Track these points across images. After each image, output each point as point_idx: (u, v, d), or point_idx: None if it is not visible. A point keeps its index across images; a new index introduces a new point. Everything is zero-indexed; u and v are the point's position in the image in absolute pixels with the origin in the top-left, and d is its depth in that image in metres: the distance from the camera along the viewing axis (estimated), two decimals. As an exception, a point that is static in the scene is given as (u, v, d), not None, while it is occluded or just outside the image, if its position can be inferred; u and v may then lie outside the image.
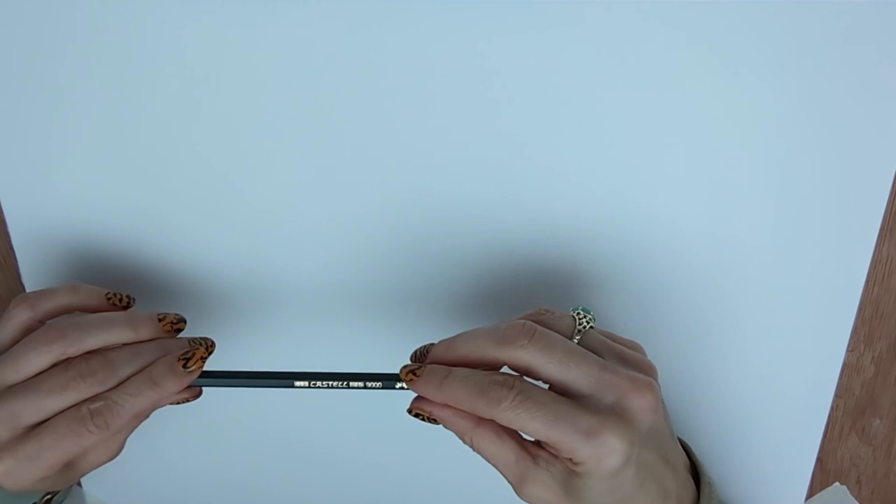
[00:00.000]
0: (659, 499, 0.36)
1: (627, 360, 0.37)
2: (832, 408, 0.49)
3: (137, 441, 0.40)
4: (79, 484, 0.53)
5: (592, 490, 0.35)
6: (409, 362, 0.38)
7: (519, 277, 0.45)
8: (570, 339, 0.37)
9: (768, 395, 0.48)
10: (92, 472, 0.40)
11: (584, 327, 0.37)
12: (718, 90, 0.40)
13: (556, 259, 0.45)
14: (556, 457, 0.36)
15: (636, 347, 0.39)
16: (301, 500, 0.54)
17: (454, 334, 0.38)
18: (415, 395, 0.38)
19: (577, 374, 0.35)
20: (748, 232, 0.44)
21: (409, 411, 0.38)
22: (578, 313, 0.38)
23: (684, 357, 0.47)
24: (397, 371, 0.38)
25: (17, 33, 0.41)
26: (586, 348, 0.36)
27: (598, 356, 0.36)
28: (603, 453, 0.33)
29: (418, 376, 0.37)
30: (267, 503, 0.55)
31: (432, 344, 0.39)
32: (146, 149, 0.43)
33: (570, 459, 0.34)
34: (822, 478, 0.52)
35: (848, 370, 0.48)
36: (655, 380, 0.36)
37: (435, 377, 0.36)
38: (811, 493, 0.52)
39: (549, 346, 0.35)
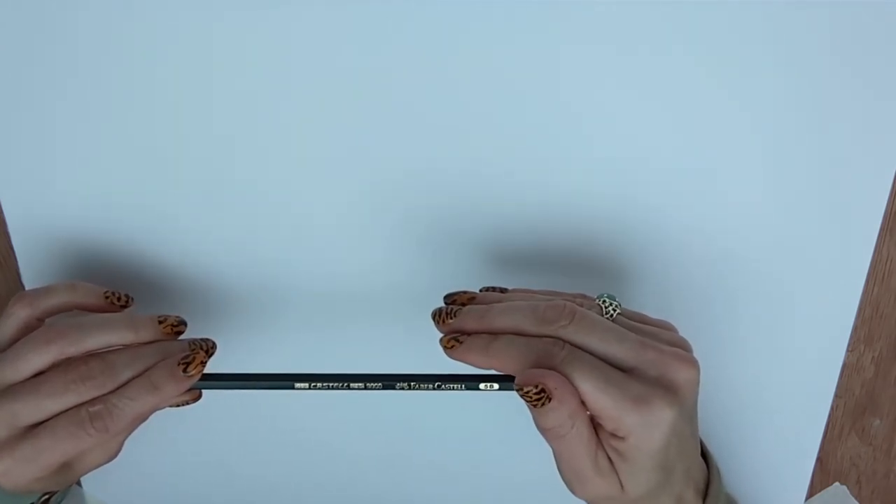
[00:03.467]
0: (683, 476, 0.36)
1: (663, 337, 0.37)
2: (832, 408, 0.49)
3: (137, 441, 0.40)
4: (79, 484, 0.53)
5: (637, 467, 0.34)
6: (441, 312, 0.38)
7: (520, 278, 0.45)
8: None
9: (768, 395, 0.48)
10: (92, 473, 0.40)
11: (612, 314, 0.37)
12: (718, 90, 0.40)
13: (556, 258, 0.45)
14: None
15: (668, 326, 0.39)
16: (301, 500, 0.54)
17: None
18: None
19: (619, 349, 0.35)
20: (748, 232, 0.44)
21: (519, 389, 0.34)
22: (604, 301, 0.37)
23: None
24: (397, 371, 0.38)
25: (17, 33, 0.41)
26: None
27: None
28: (652, 422, 0.33)
29: (461, 343, 0.36)
30: (266, 503, 0.55)
31: (458, 300, 0.38)
32: (146, 148, 0.43)
33: (615, 434, 0.34)
34: (822, 478, 0.52)
35: (848, 370, 0.48)
36: (693, 355, 0.36)
37: (481, 341, 0.36)
38: (811, 493, 0.52)
39: (590, 325, 0.35)
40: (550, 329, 0.35)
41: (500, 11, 0.39)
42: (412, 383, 0.38)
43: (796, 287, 0.45)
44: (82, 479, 0.53)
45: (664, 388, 0.34)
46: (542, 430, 0.35)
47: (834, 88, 0.40)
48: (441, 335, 0.37)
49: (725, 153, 0.42)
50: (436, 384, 0.38)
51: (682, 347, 0.36)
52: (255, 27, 0.40)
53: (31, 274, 0.48)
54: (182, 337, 0.40)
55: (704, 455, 0.40)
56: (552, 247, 0.45)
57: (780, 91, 0.40)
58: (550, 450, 0.36)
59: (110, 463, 0.40)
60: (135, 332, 0.38)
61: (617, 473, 0.35)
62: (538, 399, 0.33)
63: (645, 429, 0.33)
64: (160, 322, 0.39)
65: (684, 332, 0.44)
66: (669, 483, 0.36)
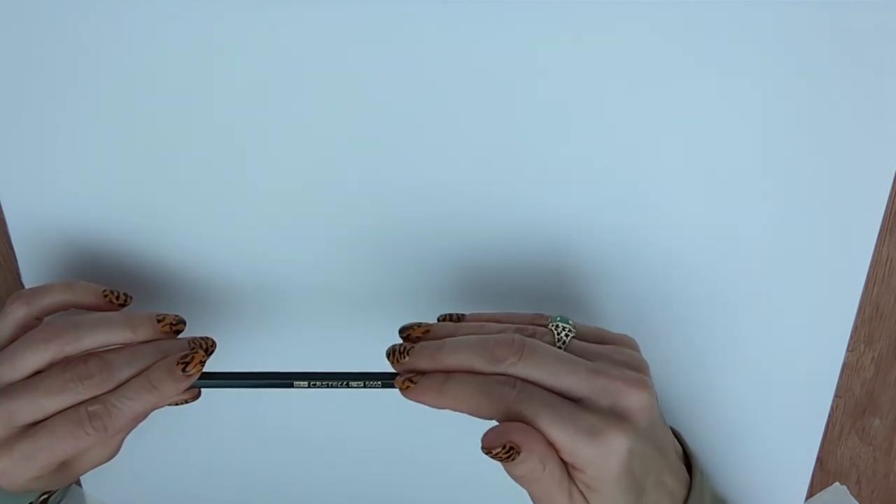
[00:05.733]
0: (656, 489, 0.36)
1: (616, 360, 0.36)
2: (832, 408, 0.49)
3: (137, 441, 0.40)
4: (78, 483, 0.53)
5: (604, 494, 0.34)
6: (394, 352, 0.38)
7: (521, 278, 0.45)
8: None
9: (768, 395, 0.48)
10: (92, 472, 0.40)
11: (565, 340, 0.37)
12: (718, 90, 0.40)
13: (557, 258, 0.45)
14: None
15: (626, 342, 0.39)
16: (301, 499, 0.54)
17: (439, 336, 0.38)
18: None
19: (569, 380, 0.35)
20: (748, 232, 0.44)
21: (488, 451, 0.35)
22: (556, 325, 0.37)
23: (684, 357, 0.47)
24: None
25: (17, 33, 0.41)
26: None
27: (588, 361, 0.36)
28: (607, 453, 0.33)
29: (415, 384, 0.36)
30: (267, 502, 0.55)
31: (412, 334, 0.39)
32: (146, 148, 0.43)
33: (574, 466, 0.34)
34: (822, 478, 0.52)
35: (848, 370, 0.48)
36: (647, 375, 0.36)
37: (435, 382, 0.36)
38: (811, 493, 0.52)
39: (539, 358, 0.35)
40: (501, 367, 0.35)
41: (500, 13, 0.39)
42: None
43: (796, 287, 0.45)
44: (82, 478, 0.53)
45: (616, 416, 0.34)
46: (515, 479, 0.35)
47: (834, 88, 0.40)
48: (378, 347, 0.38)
49: (725, 153, 0.42)
50: (435, 382, 0.38)
51: (635, 368, 0.36)
52: (256, 27, 0.40)
53: (30, 274, 0.48)
54: (181, 336, 0.40)
55: (687, 456, 0.39)
56: (554, 246, 0.45)
57: (779, 91, 0.40)
58: None
59: (110, 462, 0.40)
60: (133, 330, 0.38)
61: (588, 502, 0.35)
62: (508, 456, 0.34)
63: (601, 459, 0.33)
64: (159, 321, 0.39)
65: (685, 332, 0.45)
66: (642, 500, 0.35)
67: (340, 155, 0.43)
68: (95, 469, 0.40)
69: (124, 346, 0.38)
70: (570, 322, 0.38)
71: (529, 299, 0.46)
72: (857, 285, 0.45)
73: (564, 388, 0.35)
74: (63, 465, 0.38)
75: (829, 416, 0.49)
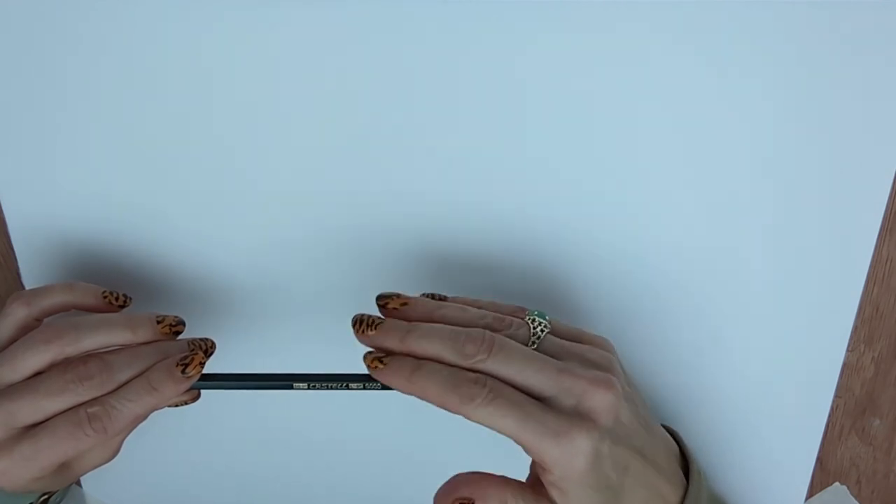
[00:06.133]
0: (641, 491, 0.36)
1: (586, 359, 0.37)
2: (832, 408, 0.49)
3: (137, 441, 0.40)
4: (79, 484, 0.54)
5: (572, 494, 0.35)
6: (362, 321, 0.38)
7: (521, 278, 0.45)
8: (527, 346, 0.36)
9: (768, 395, 0.48)
10: (92, 473, 0.40)
11: (540, 335, 0.37)
12: (718, 90, 0.40)
13: (558, 258, 0.45)
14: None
15: (600, 343, 0.39)
16: (300, 500, 0.54)
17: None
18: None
19: (537, 379, 0.35)
20: (748, 232, 0.44)
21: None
22: (533, 320, 0.37)
23: (684, 357, 0.47)
24: None
25: (17, 33, 0.41)
26: (545, 353, 0.36)
27: (558, 360, 0.36)
28: (572, 453, 0.33)
29: (385, 364, 0.36)
30: (267, 503, 0.55)
31: (389, 304, 0.38)
32: (146, 148, 0.43)
33: (542, 466, 0.34)
34: (822, 478, 0.52)
35: (848, 370, 0.48)
36: (614, 374, 0.36)
37: (405, 368, 0.36)
38: (811, 493, 0.52)
39: (508, 356, 0.35)
40: (469, 363, 0.35)
41: (503, 15, 0.39)
42: None
43: (796, 287, 0.45)
44: (82, 478, 0.53)
45: (580, 416, 0.34)
46: None
47: (834, 88, 0.40)
48: (364, 348, 0.37)
49: (724, 153, 0.42)
50: (434, 383, 0.38)
51: (603, 368, 0.36)
52: (256, 27, 0.40)
53: (31, 274, 0.48)
54: (181, 337, 0.40)
55: (685, 456, 0.39)
56: (555, 247, 0.45)
57: (779, 91, 0.40)
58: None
59: (110, 463, 0.40)
60: (133, 332, 0.38)
61: None
62: None
63: (566, 459, 0.34)
64: (158, 322, 0.39)
65: (685, 332, 0.45)
66: (620, 500, 0.35)
67: (340, 155, 0.43)
68: (96, 469, 0.40)
69: (124, 348, 0.38)
70: (547, 318, 0.38)
71: (530, 304, 0.46)
72: (857, 285, 0.45)
73: (532, 386, 0.35)
74: (63, 466, 0.38)
75: (829, 416, 0.49)
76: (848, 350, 0.47)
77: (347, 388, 0.38)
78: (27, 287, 0.48)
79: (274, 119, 0.42)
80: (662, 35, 0.39)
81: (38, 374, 0.37)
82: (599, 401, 0.34)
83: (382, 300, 0.39)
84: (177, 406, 0.40)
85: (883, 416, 0.50)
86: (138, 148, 0.43)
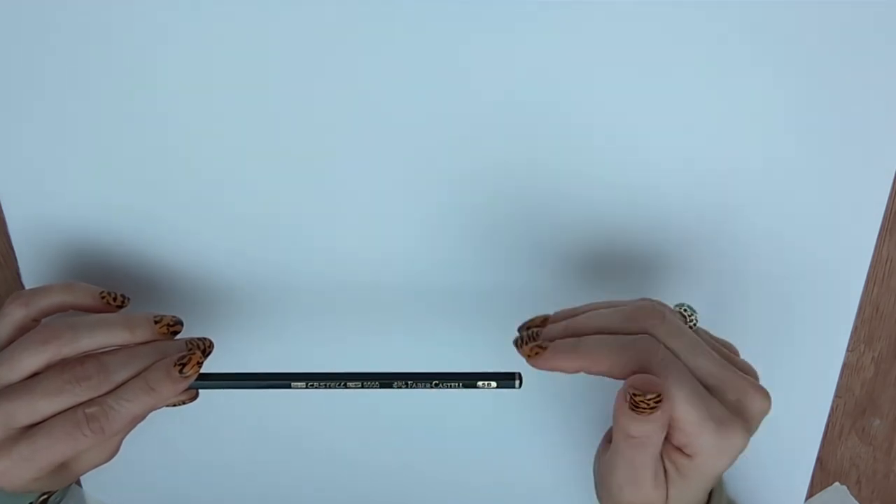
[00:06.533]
0: (703, 493, 0.36)
1: (735, 362, 0.36)
2: (832, 408, 0.49)
3: (136, 441, 0.40)
4: (78, 484, 0.54)
5: (692, 484, 0.34)
6: (522, 338, 0.36)
7: (520, 277, 0.45)
8: None
9: (768, 395, 0.48)
10: (91, 472, 0.40)
11: (694, 323, 0.36)
12: (718, 90, 0.40)
13: (555, 258, 0.45)
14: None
15: (732, 349, 0.38)
16: (300, 499, 0.54)
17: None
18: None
19: (703, 364, 0.34)
20: (748, 231, 0.44)
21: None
22: (685, 309, 0.37)
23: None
24: (395, 370, 0.38)
25: (17, 33, 0.41)
26: None
27: None
28: (726, 446, 0.33)
29: (545, 349, 0.34)
30: (265, 502, 0.55)
31: (532, 325, 0.37)
32: (146, 149, 0.43)
33: (682, 450, 0.34)
34: (822, 478, 0.52)
35: (848, 370, 0.48)
36: None
37: (567, 344, 0.34)
38: (811, 493, 0.52)
39: (679, 330, 0.34)
40: (641, 326, 0.34)
41: (505, 9, 0.39)
42: (409, 382, 0.38)
43: (796, 287, 0.45)
44: (82, 478, 0.54)
45: (740, 413, 0.34)
46: (627, 437, 0.33)
47: (834, 88, 0.40)
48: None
49: (725, 153, 0.42)
50: (433, 383, 0.37)
51: (752, 375, 0.36)
52: (254, 28, 0.40)
53: (30, 274, 0.48)
54: (178, 337, 0.40)
55: None
56: (554, 245, 0.45)
57: (779, 91, 0.40)
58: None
59: (109, 462, 0.40)
60: (131, 332, 0.38)
61: (668, 486, 0.35)
62: (651, 407, 0.32)
63: (715, 451, 0.33)
64: (156, 322, 0.39)
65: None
66: (692, 497, 0.35)
67: (339, 155, 0.43)
68: (95, 469, 0.40)
69: (122, 348, 0.38)
70: (697, 312, 0.37)
71: (530, 303, 0.46)
72: (857, 285, 0.45)
73: (698, 369, 0.34)
74: (62, 467, 0.38)
75: (829, 416, 0.49)
76: (848, 350, 0.47)
77: (345, 387, 0.38)
78: (27, 287, 0.48)
79: (273, 120, 0.42)
80: (662, 35, 0.39)
81: (35, 374, 0.37)
82: (758, 405, 0.34)
83: (525, 326, 0.38)
84: (175, 406, 0.40)
85: (883, 416, 0.50)
86: (138, 148, 0.43)
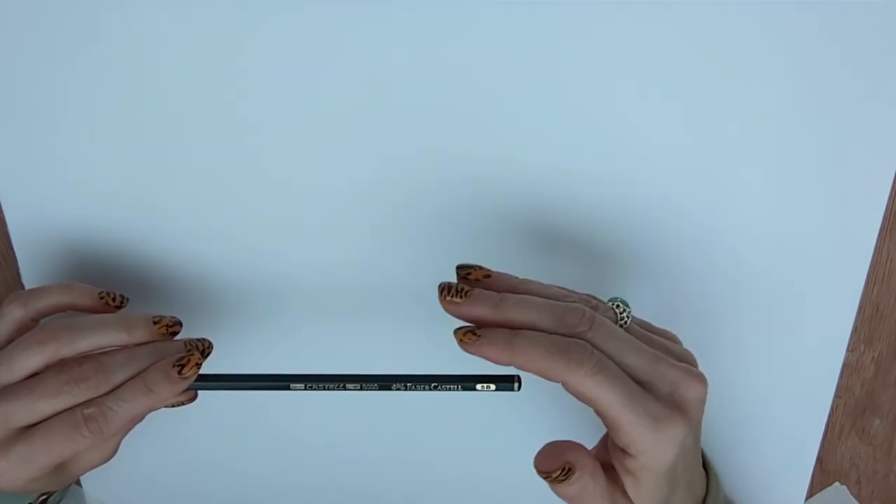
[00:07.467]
0: (686, 490, 0.36)
1: (671, 351, 0.36)
2: (832, 408, 0.49)
3: (136, 441, 0.40)
4: (79, 484, 0.54)
5: (648, 484, 0.34)
6: (449, 288, 0.35)
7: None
8: None
9: (768, 395, 0.48)
10: (92, 473, 0.40)
11: (625, 321, 0.36)
12: (719, 90, 0.40)
13: (554, 257, 0.45)
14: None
15: (673, 337, 0.38)
16: (299, 499, 0.54)
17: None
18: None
19: (633, 361, 0.34)
20: (748, 232, 0.44)
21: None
22: (617, 305, 0.36)
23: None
24: (394, 371, 0.37)
25: (17, 33, 0.41)
26: None
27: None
28: (666, 441, 0.33)
29: (478, 336, 0.34)
30: (264, 503, 0.55)
31: (472, 275, 0.36)
32: (146, 149, 0.43)
33: (626, 450, 0.34)
34: (822, 478, 0.52)
35: (848, 370, 0.48)
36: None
37: (501, 336, 0.33)
38: (811, 493, 0.52)
39: (608, 333, 0.34)
40: (572, 332, 0.34)
41: (503, 7, 0.39)
42: (408, 384, 0.37)
43: (796, 287, 0.45)
44: (82, 478, 0.54)
45: (676, 405, 0.34)
46: (565, 498, 0.34)
47: (834, 88, 0.40)
48: (454, 326, 0.35)
49: (725, 153, 0.42)
50: (432, 385, 0.37)
51: (689, 362, 0.36)
52: (254, 26, 0.40)
53: (30, 274, 0.48)
54: (177, 337, 0.40)
55: (704, 463, 0.39)
56: (547, 246, 0.45)
57: (780, 91, 0.40)
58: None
59: (109, 463, 0.40)
60: (129, 332, 0.38)
61: (629, 498, 0.35)
62: (563, 477, 0.33)
63: (657, 447, 0.33)
64: (155, 322, 0.39)
65: (685, 332, 0.44)
66: (673, 495, 0.35)
67: (339, 155, 0.43)
68: (95, 469, 0.40)
69: (120, 349, 0.38)
70: (629, 306, 0.37)
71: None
72: (857, 285, 0.45)
73: (628, 367, 0.34)
74: (60, 467, 0.38)
75: (829, 416, 0.49)
76: (848, 350, 0.47)
77: (344, 388, 0.38)
78: (27, 287, 0.48)
79: (273, 120, 0.42)
80: (662, 35, 0.39)
81: (34, 375, 0.37)
82: (694, 393, 0.34)
83: (464, 270, 0.36)
84: (174, 406, 0.40)
85: (883, 416, 0.50)
86: (138, 148, 0.43)
